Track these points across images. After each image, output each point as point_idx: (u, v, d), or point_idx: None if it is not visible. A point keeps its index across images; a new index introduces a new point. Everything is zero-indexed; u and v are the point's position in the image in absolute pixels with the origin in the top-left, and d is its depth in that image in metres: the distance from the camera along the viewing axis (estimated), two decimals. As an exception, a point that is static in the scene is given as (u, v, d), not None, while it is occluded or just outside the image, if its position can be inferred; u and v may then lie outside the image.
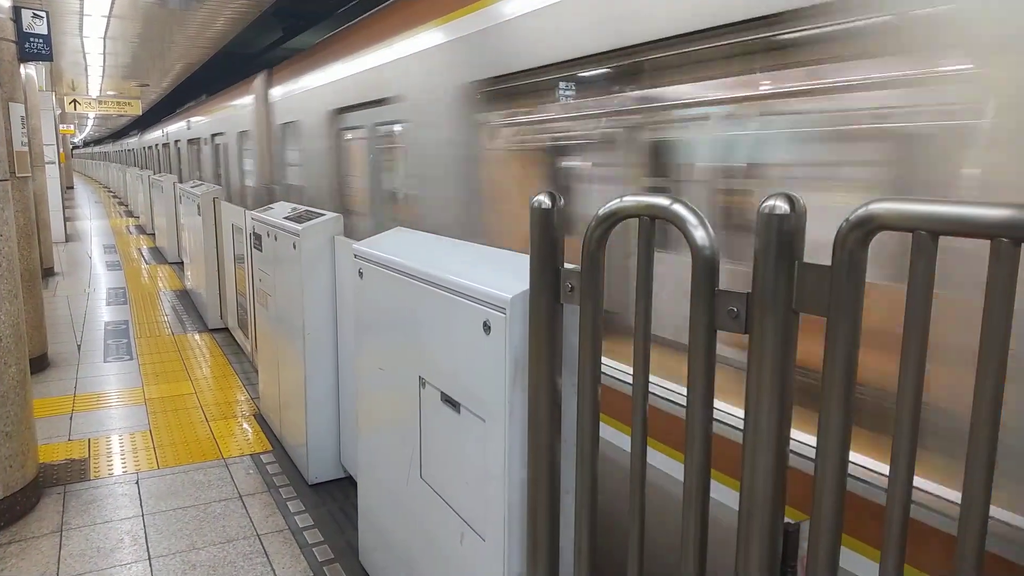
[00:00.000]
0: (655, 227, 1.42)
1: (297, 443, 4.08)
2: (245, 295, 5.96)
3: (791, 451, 1.31)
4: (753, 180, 2.21)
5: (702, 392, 1.33)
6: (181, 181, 11.83)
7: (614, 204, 1.47)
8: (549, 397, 1.73)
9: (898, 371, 1.06)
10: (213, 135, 10.73)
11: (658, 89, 2.44)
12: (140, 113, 20.75)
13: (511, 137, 3.36)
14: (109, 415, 4.96)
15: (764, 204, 1.19)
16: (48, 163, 12.65)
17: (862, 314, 1.13)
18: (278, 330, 4.32)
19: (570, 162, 3.17)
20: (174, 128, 15.58)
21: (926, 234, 1.01)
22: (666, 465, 2.15)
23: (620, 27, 2.28)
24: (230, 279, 6.77)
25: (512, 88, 3.09)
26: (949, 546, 1.48)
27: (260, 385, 5.10)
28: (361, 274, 2.83)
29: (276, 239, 4.12)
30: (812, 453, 1.21)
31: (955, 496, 1.54)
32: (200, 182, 9.02)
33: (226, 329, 7.32)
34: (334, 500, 3.76)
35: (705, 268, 1.30)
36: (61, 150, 17.36)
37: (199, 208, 7.36)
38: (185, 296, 9.11)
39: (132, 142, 27.87)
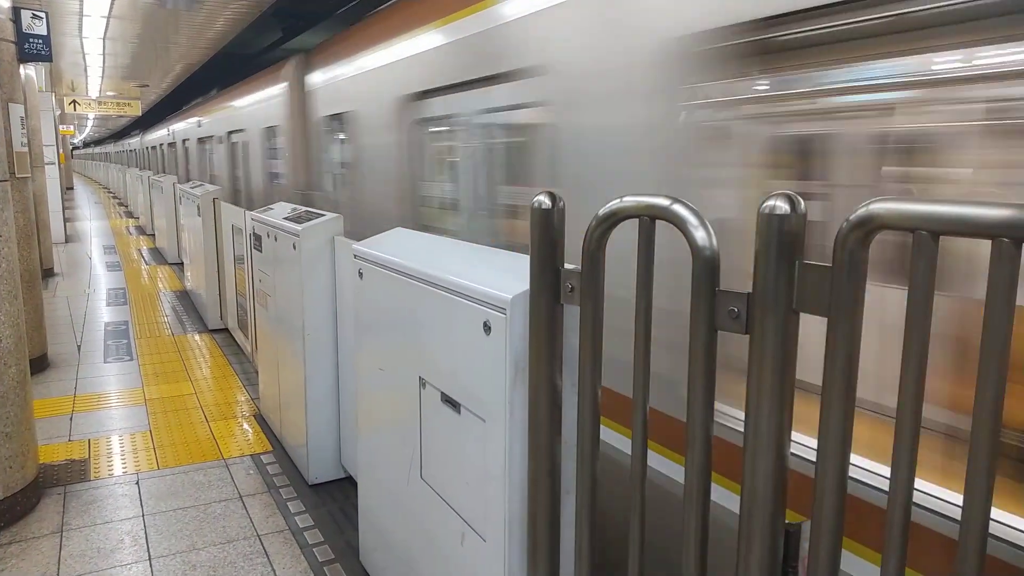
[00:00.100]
0: (655, 227, 1.42)
1: (297, 443, 4.08)
2: (245, 296, 5.96)
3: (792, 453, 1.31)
4: None
5: (702, 393, 1.33)
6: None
7: (614, 204, 1.47)
8: (549, 397, 1.73)
9: (900, 371, 1.05)
10: (229, 132, 9.57)
11: None
12: (140, 114, 20.74)
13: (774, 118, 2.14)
14: (109, 416, 4.95)
15: (764, 204, 1.19)
16: (48, 164, 12.65)
17: (862, 314, 1.13)
18: (278, 331, 4.32)
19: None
20: (182, 126, 14.59)
21: (927, 234, 1.01)
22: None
23: None
24: (230, 280, 6.76)
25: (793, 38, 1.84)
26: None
27: (260, 385, 5.10)
28: (361, 274, 2.83)
29: (276, 240, 4.12)
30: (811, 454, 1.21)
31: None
32: (200, 182, 8.98)
33: (226, 330, 7.32)
34: (334, 500, 3.76)
35: (706, 268, 1.30)
36: (61, 151, 17.36)
37: (199, 209, 7.36)
38: (185, 297, 9.11)
39: (134, 142, 27.32)
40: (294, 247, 3.77)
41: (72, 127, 29.71)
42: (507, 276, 1.96)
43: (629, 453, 1.50)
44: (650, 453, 1.74)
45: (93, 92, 18.49)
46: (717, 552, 1.59)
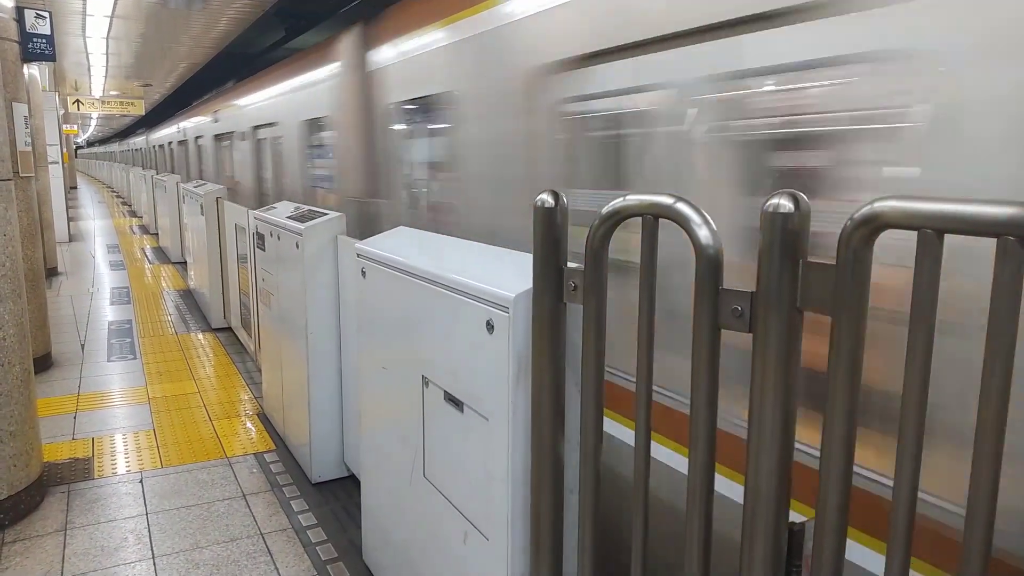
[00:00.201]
0: (659, 226, 1.42)
1: (300, 442, 4.09)
2: (248, 295, 5.96)
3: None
4: None
5: (706, 390, 1.33)
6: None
7: (617, 203, 1.47)
8: (552, 396, 1.73)
9: (904, 369, 1.05)
10: (255, 127, 8.10)
11: None
12: (143, 113, 20.79)
13: None
14: (113, 414, 4.97)
15: (768, 203, 1.18)
16: (52, 163, 12.69)
17: (867, 312, 1.12)
18: (281, 329, 4.32)
19: None
20: (193, 123, 13.21)
21: (931, 232, 1.00)
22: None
23: None
24: (233, 279, 6.77)
25: None
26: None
27: (263, 384, 5.10)
28: (364, 273, 2.83)
29: (279, 239, 4.12)
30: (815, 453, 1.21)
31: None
32: (202, 181, 8.95)
33: (229, 328, 7.33)
34: (337, 499, 3.76)
35: (709, 267, 1.30)
36: (64, 150, 17.40)
37: (202, 208, 7.37)
38: (188, 296, 9.13)
39: (139, 141, 26.52)
40: (297, 246, 3.77)
41: (76, 126, 29.76)
42: (510, 275, 1.96)
43: (632, 450, 1.50)
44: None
45: (96, 91, 18.54)
46: (721, 551, 1.59)
